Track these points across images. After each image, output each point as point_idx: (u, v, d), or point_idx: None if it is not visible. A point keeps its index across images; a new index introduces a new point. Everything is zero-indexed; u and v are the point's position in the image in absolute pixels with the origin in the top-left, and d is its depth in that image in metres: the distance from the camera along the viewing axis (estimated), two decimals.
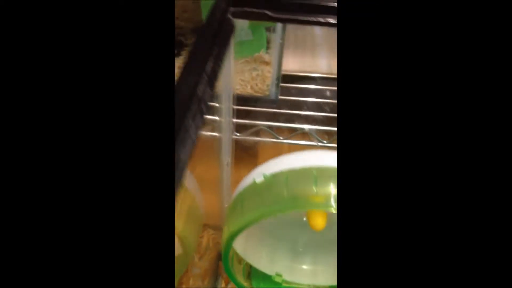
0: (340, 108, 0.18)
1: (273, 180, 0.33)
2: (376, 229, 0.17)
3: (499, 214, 0.17)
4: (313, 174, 0.31)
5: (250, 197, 0.34)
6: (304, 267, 0.45)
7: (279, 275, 0.45)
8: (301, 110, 0.48)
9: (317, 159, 0.33)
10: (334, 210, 0.30)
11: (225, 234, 0.35)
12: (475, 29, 0.18)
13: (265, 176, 0.34)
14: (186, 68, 0.22)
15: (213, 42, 0.25)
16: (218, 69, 0.24)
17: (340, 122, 0.18)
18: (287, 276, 0.45)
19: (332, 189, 0.31)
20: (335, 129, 0.47)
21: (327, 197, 0.31)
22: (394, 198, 0.17)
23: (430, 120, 0.18)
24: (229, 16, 0.29)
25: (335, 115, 0.48)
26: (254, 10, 0.30)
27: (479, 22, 0.18)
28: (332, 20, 0.28)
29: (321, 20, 0.28)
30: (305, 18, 0.29)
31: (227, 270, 0.40)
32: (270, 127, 0.46)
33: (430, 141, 0.18)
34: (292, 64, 0.55)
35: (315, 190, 0.31)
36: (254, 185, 0.34)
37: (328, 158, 0.33)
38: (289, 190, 0.31)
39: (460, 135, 0.17)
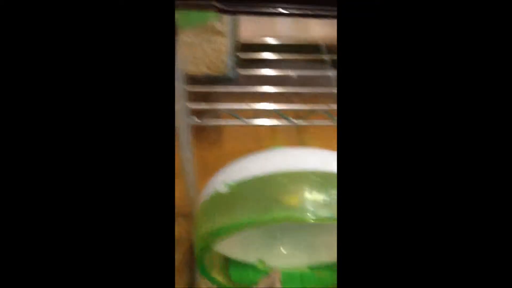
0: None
1: (238, 190, 0.30)
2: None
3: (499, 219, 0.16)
4: (283, 182, 0.28)
5: (217, 209, 0.31)
6: (283, 250, 0.44)
7: (261, 262, 0.43)
8: (263, 85, 0.44)
9: (282, 161, 0.29)
10: (311, 220, 0.28)
11: (197, 246, 0.32)
12: (476, 30, 0.17)
13: (230, 186, 0.30)
14: None
15: None
16: None
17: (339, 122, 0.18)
18: (267, 262, 0.43)
19: (307, 195, 0.28)
20: (303, 106, 0.43)
21: (302, 204, 0.28)
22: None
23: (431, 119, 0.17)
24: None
25: (301, 90, 0.44)
26: (199, 1, 0.24)
27: (480, 22, 0.17)
28: (297, 11, 0.23)
29: (283, 10, 0.23)
30: (261, 10, 0.24)
31: (204, 273, 0.38)
32: (231, 109, 0.42)
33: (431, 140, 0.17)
34: (246, 30, 0.49)
35: (288, 199, 0.28)
36: (219, 195, 0.31)
37: (295, 159, 0.30)
38: (260, 200, 0.28)
39: (459, 134, 0.17)
